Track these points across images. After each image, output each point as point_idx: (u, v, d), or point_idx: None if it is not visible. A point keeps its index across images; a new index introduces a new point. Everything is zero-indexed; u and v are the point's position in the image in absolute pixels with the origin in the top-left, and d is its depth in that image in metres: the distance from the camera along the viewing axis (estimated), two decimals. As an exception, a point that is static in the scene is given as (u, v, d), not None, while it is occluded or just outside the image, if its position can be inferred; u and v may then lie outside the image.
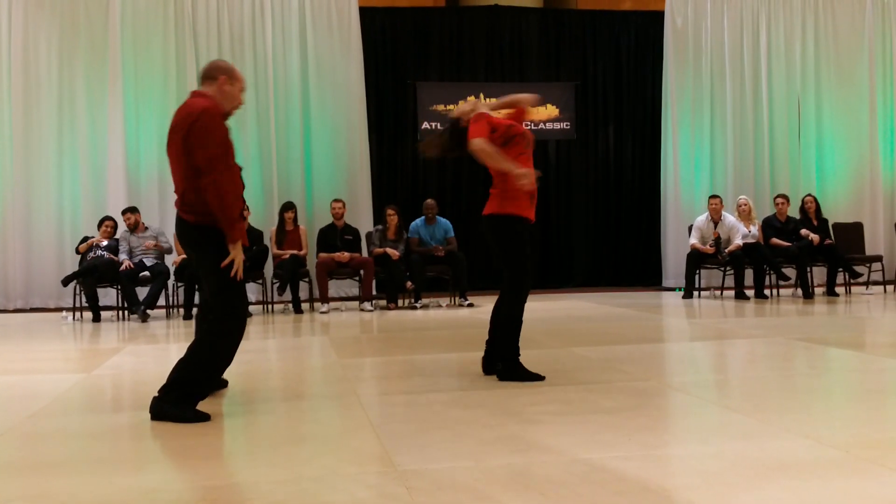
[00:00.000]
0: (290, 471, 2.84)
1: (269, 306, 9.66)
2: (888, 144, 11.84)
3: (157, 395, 3.76)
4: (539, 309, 9.09)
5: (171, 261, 9.18)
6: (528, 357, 5.34)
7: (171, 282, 9.22)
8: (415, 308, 9.41)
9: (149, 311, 8.68)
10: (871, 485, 2.54)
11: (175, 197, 3.98)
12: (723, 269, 10.03)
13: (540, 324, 7.47)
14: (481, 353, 4.75)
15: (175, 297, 9.36)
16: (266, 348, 6.58)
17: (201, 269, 3.96)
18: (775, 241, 9.94)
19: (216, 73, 3.98)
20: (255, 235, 9.48)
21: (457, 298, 9.70)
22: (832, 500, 2.40)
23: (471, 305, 9.44)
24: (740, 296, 9.57)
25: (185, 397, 3.70)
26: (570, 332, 6.77)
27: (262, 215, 10.32)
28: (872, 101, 11.72)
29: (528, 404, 3.80)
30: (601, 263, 12.15)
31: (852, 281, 10.23)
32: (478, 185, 11.97)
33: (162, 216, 10.22)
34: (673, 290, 11.07)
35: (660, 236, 11.69)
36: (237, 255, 3.86)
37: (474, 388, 4.28)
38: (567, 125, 12.14)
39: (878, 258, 10.65)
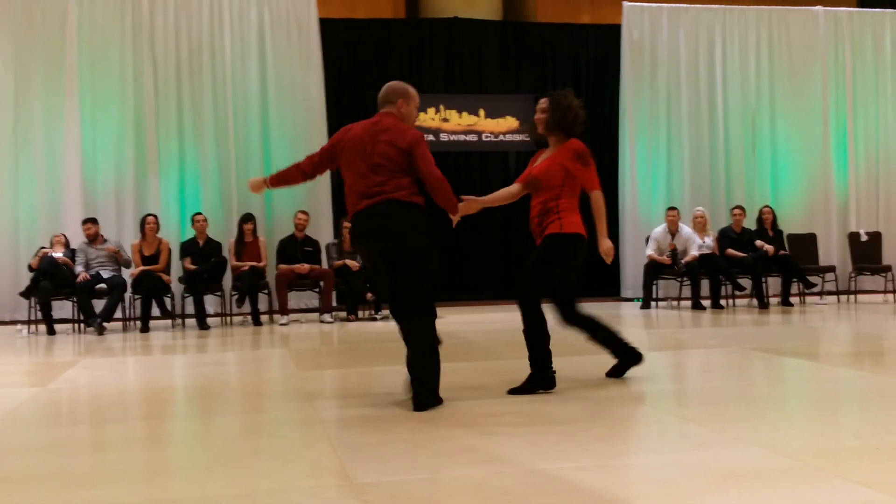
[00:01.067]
0: (245, 485, 2.82)
1: (228, 318, 9.57)
2: (841, 156, 12.08)
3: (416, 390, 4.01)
4: (500, 320, 9.13)
5: (129, 273, 9.07)
6: (486, 368, 5.37)
7: (128, 294, 9.10)
8: (375, 319, 9.39)
9: (105, 324, 8.56)
10: (820, 493, 2.58)
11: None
12: (680, 279, 10.16)
13: (500, 335, 7.50)
14: (442, 365, 4.72)
15: (132, 310, 9.24)
16: (224, 361, 6.52)
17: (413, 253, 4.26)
18: (731, 251, 10.09)
19: (394, 98, 4.51)
20: (213, 247, 9.41)
21: (417, 310, 9.67)
22: (782, 507, 2.44)
23: (431, 317, 9.42)
24: (697, 306, 9.70)
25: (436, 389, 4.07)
26: (529, 343, 6.79)
27: (220, 227, 10.22)
28: (825, 113, 11.96)
29: (486, 416, 3.81)
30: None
31: (806, 291, 10.42)
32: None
33: (119, 228, 10.08)
34: (631, 300, 11.17)
35: (618, 247, 11.79)
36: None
37: (433, 400, 4.27)
38: (527, 137, 12.22)
39: (832, 269, 10.85)
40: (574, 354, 6.02)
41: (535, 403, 4.10)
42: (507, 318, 9.25)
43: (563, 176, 4.59)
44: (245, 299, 9.12)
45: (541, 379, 4.45)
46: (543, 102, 4.71)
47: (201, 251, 9.30)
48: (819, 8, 12.15)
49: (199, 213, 9.58)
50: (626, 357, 4.82)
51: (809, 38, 12.03)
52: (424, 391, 4.04)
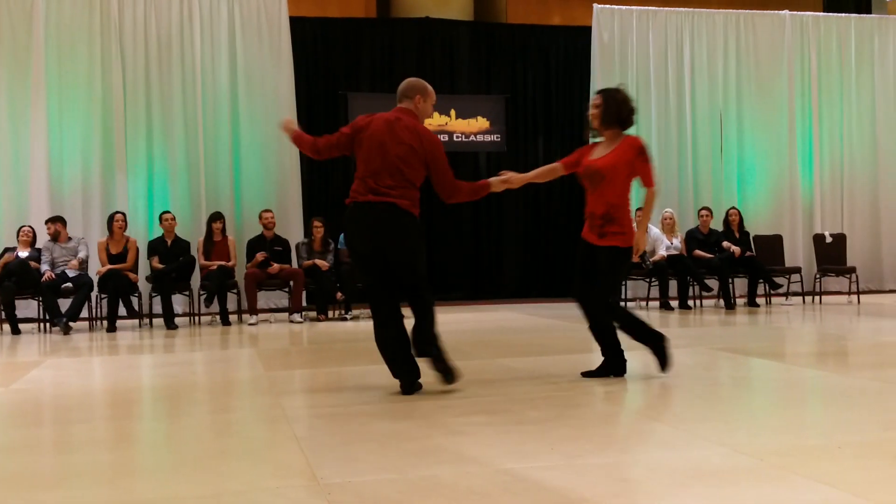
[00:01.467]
0: (211, 486, 2.80)
1: (196, 318, 9.50)
2: (807, 159, 12.25)
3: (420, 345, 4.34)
4: (469, 320, 9.14)
5: (95, 271, 8.96)
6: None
7: (94, 293, 9.00)
8: (345, 319, 9.37)
9: (71, 324, 8.46)
10: (782, 491, 2.62)
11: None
12: (648, 280, 10.24)
13: (469, 335, 7.52)
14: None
15: (98, 309, 9.14)
16: (193, 361, 6.47)
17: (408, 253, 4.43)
18: (698, 252, 10.19)
19: (412, 94, 4.69)
20: (181, 246, 9.34)
21: (388, 309, 9.67)
22: (745, 506, 2.48)
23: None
24: (665, 306, 9.79)
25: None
26: (498, 344, 6.83)
27: (189, 226, 10.15)
28: (791, 116, 12.12)
29: (454, 416, 3.82)
30: (531, 275, 12.29)
31: (772, 292, 10.54)
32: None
33: (86, 224, 9.98)
34: (601, 300, 11.22)
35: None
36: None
37: (402, 400, 4.28)
38: (497, 137, 12.26)
39: (797, 270, 11.00)
40: (542, 355, 6.06)
41: (503, 403, 4.12)
42: (476, 319, 9.28)
43: (629, 172, 4.79)
44: (214, 299, 9.06)
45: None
46: (597, 98, 4.91)
47: (169, 250, 9.23)
48: (786, 12, 12.31)
49: (168, 212, 9.50)
50: (612, 364, 4.85)
51: (776, 42, 12.18)
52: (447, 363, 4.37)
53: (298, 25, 11.22)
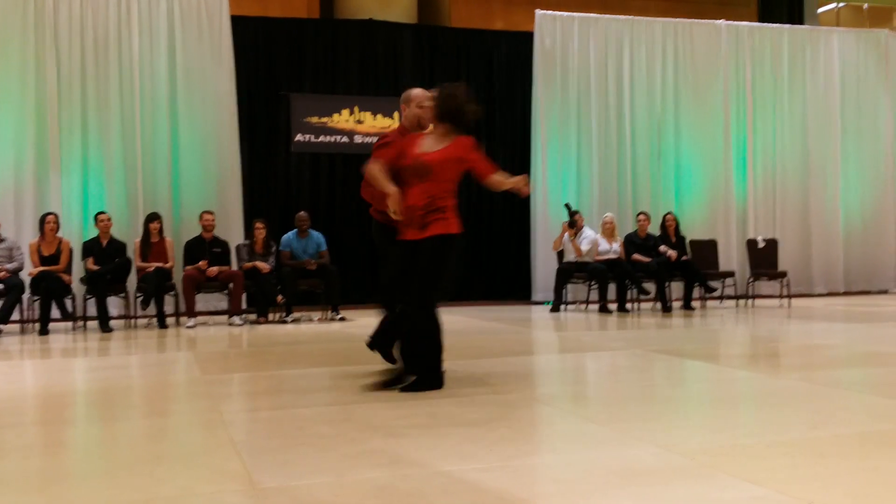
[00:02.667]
0: (144, 491, 2.76)
1: (133, 321, 9.33)
2: (741, 166, 12.55)
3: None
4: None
5: (27, 272, 8.74)
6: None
7: (26, 295, 8.77)
8: (285, 322, 9.30)
9: (2, 326, 8.24)
10: (712, 490, 2.68)
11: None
12: (588, 283, 10.38)
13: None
14: (353, 367, 4.75)
15: (31, 312, 8.91)
16: (128, 364, 6.36)
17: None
18: (636, 256, 10.36)
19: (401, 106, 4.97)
20: (117, 247, 9.17)
21: (329, 312, 9.65)
22: (675, 504, 2.53)
23: (343, 319, 9.41)
24: (604, 309, 9.93)
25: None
26: (439, 346, 6.83)
27: (125, 226, 9.97)
28: (727, 123, 12.41)
29: (394, 418, 3.82)
30: (472, 278, 12.34)
31: (707, 295, 10.78)
32: (352, 199, 11.97)
33: (18, 227, 9.75)
34: (542, 303, 11.36)
35: (528, 252, 11.98)
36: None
37: (342, 403, 4.28)
38: (440, 140, 12.29)
39: (731, 274, 11.26)
40: (482, 357, 6.10)
41: (441, 406, 4.14)
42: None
43: (459, 169, 4.70)
44: (150, 301, 8.91)
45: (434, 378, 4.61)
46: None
47: (104, 251, 9.05)
48: (722, 22, 12.60)
49: (103, 212, 9.32)
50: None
51: (712, 51, 12.46)
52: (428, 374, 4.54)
53: (240, 24, 11.11)
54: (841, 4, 18.11)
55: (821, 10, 17.20)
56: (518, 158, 12.40)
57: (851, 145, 13.10)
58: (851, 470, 2.86)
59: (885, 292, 13.08)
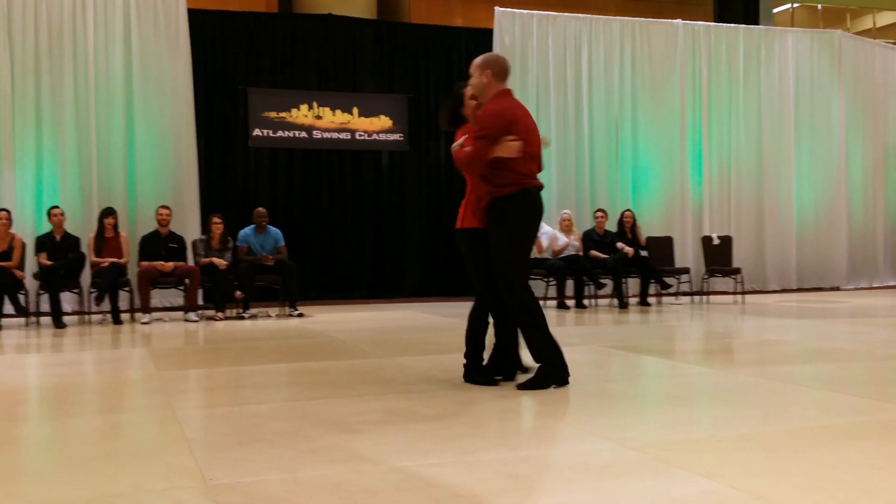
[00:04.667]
0: (96, 488, 2.72)
1: (87, 317, 9.18)
2: (696, 164, 12.71)
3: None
4: (369, 319, 9.14)
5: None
6: (352, 367, 5.36)
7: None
8: (243, 318, 9.22)
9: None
10: (664, 484, 2.72)
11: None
12: (546, 280, 10.44)
13: (368, 334, 7.51)
14: (310, 364, 4.72)
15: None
16: (81, 361, 6.26)
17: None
18: (594, 253, 10.45)
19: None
20: (71, 242, 9.01)
21: (287, 308, 9.58)
22: (629, 499, 2.56)
23: (301, 315, 9.35)
24: (562, 305, 10.00)
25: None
26: (397, 342, 6.84)
27: (79, 221, 9.80)
28: (683, 122, 12.55)
29: (350, 414, 3.81)
30: (432, 273, 12.35)
31: (663, 292, 10.91)
32: (310, 195, 11.91)
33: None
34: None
35: (488, 247, 12.00)
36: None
37: (298, 400, 4.25)
38: (400, 136, 12.28)
39: (686, 270, 11.40)
40: (440, 353, 6.10)
41: (398, 402, 4.13)
42: (376, 317, 9.28)
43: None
44: (105, 297, 8.78)
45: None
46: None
47: (58, 246, 8.89)
48: (679, 21, 12.74)
49: (57, 207, 9.15)
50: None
51: (670, 50, 12.59)
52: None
53: (197, 18, 10.98)
54: (796, 5, 18.44)
55: (776, 10, 17.49)
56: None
57: (805, 144, 13.33)
58: (801, 464, 2.91)
59: (836, 289, 13.34)
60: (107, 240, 9.07)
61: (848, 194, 13.53)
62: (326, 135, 11.99)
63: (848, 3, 18.26)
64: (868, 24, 18.90)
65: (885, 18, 19.11)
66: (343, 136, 12.06)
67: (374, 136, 12.18)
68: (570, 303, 10.20)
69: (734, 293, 11.60)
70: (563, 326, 8.20)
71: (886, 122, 14.23)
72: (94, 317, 9.24)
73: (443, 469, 2.86)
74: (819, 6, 18.52)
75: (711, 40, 12.87)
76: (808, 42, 13.46)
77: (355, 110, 12.11)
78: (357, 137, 12.11)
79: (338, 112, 12.04)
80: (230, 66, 11.54)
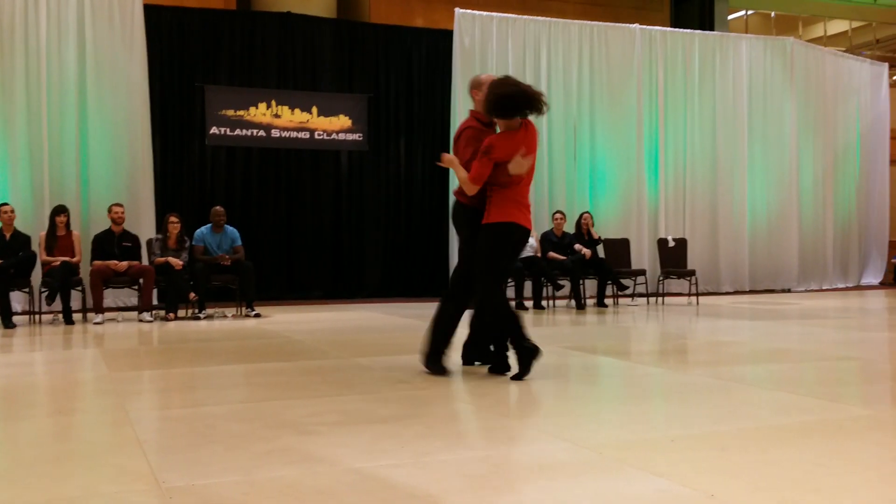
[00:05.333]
0: (44, 492, 2.67)
1: (37, 317, 9.01)
2: (653, 167, 12.86)
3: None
4: (327, 319, 9.09)
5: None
6: (309, 368, 5.34)
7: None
8: (198, 318, 9.12)
9: None
10: (619, 483, 2.75)
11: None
12: (505, 281, 10.47)
13: (326, 334, 7.48)
14: (267, 364, 4.69)
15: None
16: (32, 361, 6.14)
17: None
18: (552, 254, 10.52)
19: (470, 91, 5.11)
20: (21, 240, 8.83)
21: (243, 309, 9.50)
22: (583, 498, 2.58)
23: (258, 316, 9.27)
24: (520, 307, 10.04)
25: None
26: (355, 343, 6.82)
27: (30, 219, 9.62)
28: (640, 126, 12.69)
29: (306, 415, 3.79)
30: (391, 274, 12.33)
31: (620, 293, 11.02)
32: (268, 194, 11.82)
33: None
34: (459, 300, 11.40)
35: (447, 249, 12.03)
36: None
37: (254, 401, 4.22)
38: (359, 136, 12.24)
39: (642, 272, 11.53)
40: (398, 354, 6.10)
41: (355, 403, 4.12)
42: (334, 318, 9.24)
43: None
44: (56, 296, 8.62)
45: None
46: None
47: (8, 244, 8.70)
48: (636, 26, 12.88)
49: (6, 204, 8.96)
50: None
51: (627, 54, 12.73)
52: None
53: (153, 13, 10.85)
54: (750, 12, 18.74)
55: (731, 16, 17.77)
56: (437, 155, 12.42)
57: (758, 148, 13.56)
58: (752, 463, 2.96)
59: (788, 291, 13.59)
60: (58, 238, 8.91)
61: (799, 198, 13.80)
62: (285, 134, 11.91)
63: (800, 11, 18.62)
64: (819, 32, 19.29)
65: (835, 27, 19.52)
66: (302, 135, 12.00)
67: (334, 136, 12.13)
68: (529, 304, 10.25)
69: (688, 294, 11.76)
70: (521, 327, 8.24)
71: (836, 128, 14.55)
72: (45, 317, 9.07)
73: (399, 470, 2.86)
74: (772, 14, 18.86)
75: (668, 45, 13.04)
76: (762, 48, 13.70)
77: (314, 109, 12.05)
78: (316, 137, 12.05)
79: (297, 111, 11.97)
80: (187, 63, 11.41)
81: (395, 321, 8.79)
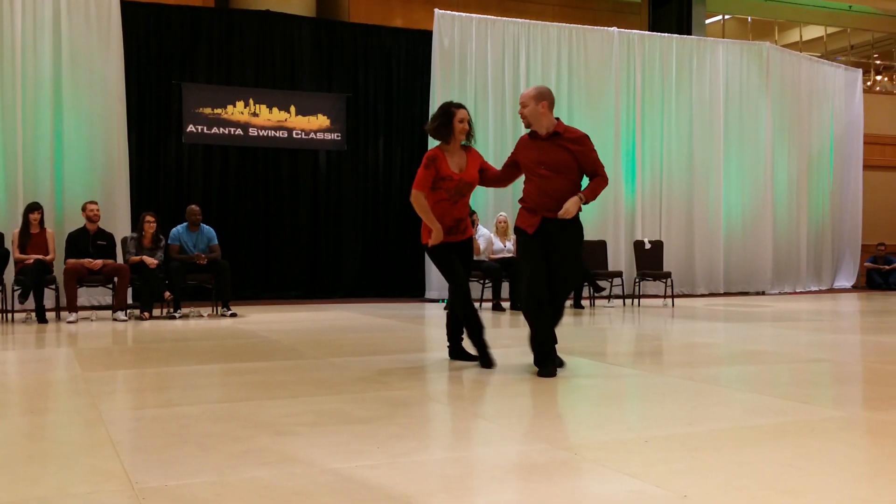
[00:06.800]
0: (15, 492, 2.64)
1: (10, 315, 8.91)
2: (630, 169, 12.93)
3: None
4: (304, 319, 9.06)
5: None
6: (285, 368, 5.32)
7: None
8: (173, 318, 9.06)
9: None
10: (593, 484, 2.76)
11: None
12: (482, 281, 10.49)
13: (302, 334, 7.45)
14: (242, 364, 4.66)
15: None
16: (4, 360, 6.07)
17: None
18: (530, 255, 10.53)
19: None
20: (-7, 238, 8.74)
21: (219, 308, 9.45)
22: (558, 499, 2.59)
23: (234, 315, 9.23)
24: (497, 308, 10.06)
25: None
26: (332, 343, 6.81)
27: (3, 216, 9.54)
28: (617, 127, 12.76)
29: (281, 416, 3.78)
30: (368, 274, 12.32)
31: (596, 294, 11.07)
32: (245, 193, 11.77)
33: None
34: (436, 301, 11.42)
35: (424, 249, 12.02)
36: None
37: (229, 401, 4.20)
38: (338, 136, 12.22)
39: (619, 274, 11.59)
40: (374, 354, 6.09)
41: (331, 403, 4.11)
42: (311, 318, 9.21)
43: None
44: (29, 294, 8.53)
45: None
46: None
47: (-20, 242, 8.61)
48: (614, 29, 12.95)
49: (-21, 201, 8.88)
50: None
51: (605, 57, 12.80)
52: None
53: (130, 10, 10.77)
54: (727, 17, 18.89)
55: (708, 21, 17.89)
56: (416, 155, 12.44)
57: (733, 152, 13.68)
58: (725, 464, 2.99)
59: (762, 293, 13.71)
60: (32, 236, 8.82)
61: (773, 202, 13.93)
62: (263, 132, 11.86)
63: (776, 16, 18.80)
64: (795, 38, 19.48)
65: (811, 32, 19.72)
66: (280, 134, 11.95)
67: (312, 135, 12.09)
68: (506, 304, 10.27)
69: (664, 296, 11.83)
70: (499, 328, 8.26)
71: (811, 132, 14.71)
72: (18, 315, 8.97)
73: (375, 471, 2.86)
74: (749, 18, 19.02)
75: (645, 49, 13.12)
76: (738, 53, 13.82)
77: (293, 108, 12.01)
78: (294, 136, 12.01)
79: (275, 110, 11.93)
80: (164, 61, 11.34)
81: (371, 321, 8.78)
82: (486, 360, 5.28)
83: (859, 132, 15.78)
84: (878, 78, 20.57)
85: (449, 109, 5.28)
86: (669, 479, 2.76)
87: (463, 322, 5.36)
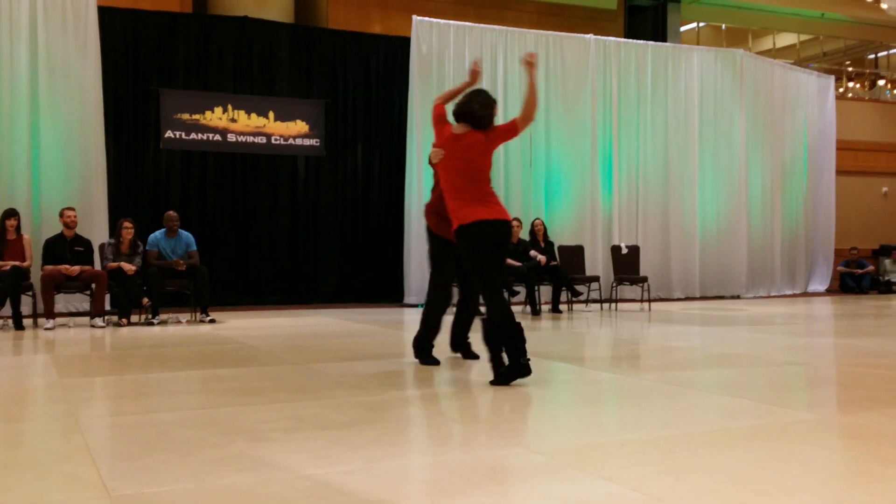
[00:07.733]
0: (-8, 501, 2.64)
1: (-16, 322, 8.83)
2: (607, 175, 13.02)
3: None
4: (283, 325, 9.05)
5: None
6: (263, 374, 5.31)
7: None
8: (152, 324, 9.01)
9: None
10: (569, 487, 2.79)
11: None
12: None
13: (281, 340, 7.44)
14: (221, 370, 4.65)
15: None
16: (-23, 369, 6.01)
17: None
18: (508, 261, 10.56)
19: None
20: (-32, 244, 8.66)
21: (198, 314, 9.41)
22: (535, 502, 2.62)
23: (213, 321, 9.20)
24: (476, 312, 10.07)
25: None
26: (310, 348, 6.80)
27: (-22, 223, 9.42)
28: (594, 135, 12.84)
29: (259, 422, 3.78)
30: (347, 279, 12.31)
31: (574, 299, 11.13)
32: (224, 199, 11.73)
33: None
34: (415, 306, 11.43)
35: (402, 254, 12.05)
36: None
37: (207, 407, 4.19)
38: (316, 142, 12.22)
39: (596, 278, 11.67)
40: (353, 360, 6.10)
41: (308, 409, 4.12)
42: (290, 323, 9.20)
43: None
44: (6, 301, 8.46)
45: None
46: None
47: (-46, 249, 8.53)
48: (591, 36, 13.04)
49: (-46, 208, 8.79)
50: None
51: (582, 64, 12.88)
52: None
53: (107, 15, 10.72)
54: (702, 24, 19.08)
55: (683, 28, 18.06)
56: (394, 161, 12.47)
57: (708, 157, 13.81)
58: (700, 466, 3.03)
59: (737, 297, 13.84)
60: (8, 242, 8.75)
61: (748, 207, 14.07)
62: (241, 138, 11.84)
63: (750, 24, 19.00)
64: (768, 45, 19.70)
65: (784, 40, 19.96)
66: (258, 139, 11.93)
67: (290, 141, 12.08)
68: (484, 309, 10.28)
69: (641, 301, 11.92)
70: (477, 333, 8.27)
71: (784, 138, 14.87)
72: (-7, 322, 8.90)
73: (352, 476, 2.87)
74: (723, 26, 19.22)
75: (622, 55, 13.22)
76: (713, 60, 13.96)
77: (271, 114, 12.00)
78: (273, 142, 11.99)
79: (253, 115, 11.91)
80: (142, 66, 11.29)
81: (350, 327, 8.78)
82: (524, 370, 4.92)
83: (832, 138, 15.97)
84: (851, 84, 20.84)
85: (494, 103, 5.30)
86: (645, 482, 2.80)
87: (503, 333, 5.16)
